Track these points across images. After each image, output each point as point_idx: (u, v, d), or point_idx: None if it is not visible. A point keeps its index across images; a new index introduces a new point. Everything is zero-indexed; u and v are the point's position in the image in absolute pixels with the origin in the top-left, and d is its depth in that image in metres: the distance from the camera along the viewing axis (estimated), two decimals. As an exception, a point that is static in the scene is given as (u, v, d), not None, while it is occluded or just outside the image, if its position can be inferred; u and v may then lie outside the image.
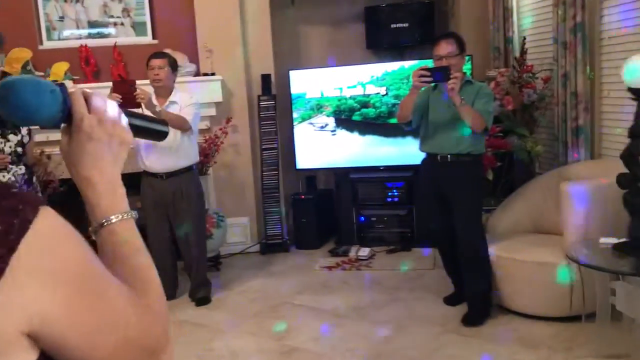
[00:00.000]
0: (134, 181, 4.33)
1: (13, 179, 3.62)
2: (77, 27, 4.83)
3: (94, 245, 0.78)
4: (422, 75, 3.26)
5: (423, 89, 3.41)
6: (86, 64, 4.76)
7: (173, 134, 3.76)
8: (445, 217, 3.50)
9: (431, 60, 3.48)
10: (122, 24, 4.89)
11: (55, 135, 4.64)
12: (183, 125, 3.75)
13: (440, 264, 3.84)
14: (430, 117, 3.48)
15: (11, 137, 3.62)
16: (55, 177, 4.57)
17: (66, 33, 4.82)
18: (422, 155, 3.63)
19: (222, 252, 4.98)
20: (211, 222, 4.63)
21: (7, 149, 3.60)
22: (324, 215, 5.26)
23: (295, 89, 5.17)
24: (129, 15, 4.88)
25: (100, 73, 4.82)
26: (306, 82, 5.17)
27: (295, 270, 4.65)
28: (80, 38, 4.83)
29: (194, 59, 4.92)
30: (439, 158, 3.47)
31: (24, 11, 4.72)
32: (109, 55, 4.78)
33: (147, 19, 4.91)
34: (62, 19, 4.80)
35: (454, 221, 3.45)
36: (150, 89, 3.69)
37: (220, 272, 4.68)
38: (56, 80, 4.90)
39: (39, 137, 4.58)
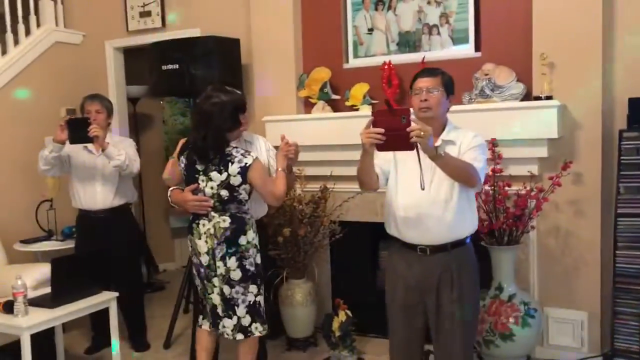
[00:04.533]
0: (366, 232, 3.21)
1: (212, 231, 2.85)
2: (386, 40, 3.96)
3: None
4: None
5: None
6: (388, 84, 3.84)
7: (449, 188, 2.48)
8: None
9: None
10: (438, 33, 3.80)
11: (341, 170, 3.88)
12: (470, 178, 2.43)
13: None
14: None
15: (214, 175, 2.83)
16: (330, 218, 3.80)
17: (374, 48, 4.00)
18: None
19: (541, 356, 3.41)
20: (513, 314, 3.13)
21: (208, 191, 2.85)
22: None
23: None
24: (447, 22, 3.76)
25: (404, 95, 3.84)
26: None
27: None
28: (387, 54, 3.95)
29: (524, 77, 3.48)
30: None
31: (332, 25, 4.11)
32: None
33: (470, 25, 3.70)
34: (370, 31, 4.00)
35: None
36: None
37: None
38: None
39: (320, 170, 3.92)
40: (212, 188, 2.83)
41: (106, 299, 3.34)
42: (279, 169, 2.96)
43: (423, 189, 2.42)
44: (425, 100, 2.49)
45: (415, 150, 2.29)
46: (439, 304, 2.54)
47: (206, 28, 4.42)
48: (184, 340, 4.09)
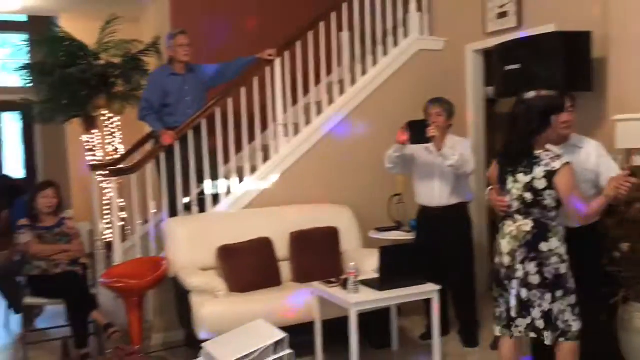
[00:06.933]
0: None
1: (515, 233, 2.80)
2: None
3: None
4: None
5: None
6: None
7: None
8: None
9: None
10: None
11: None
12: None
13: None
14: None
15: (520, 177, 2.78)
16: None
17: None
18: None
19: None
20: None
21: (514, 192, 2.81)
22: None
23: None
24: None
25: None
26: None
27: None
28: None
29: None
30: None
31: None
32: None
33: None
34: None
35: None
36: None
37: None
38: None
39: None
40: (517, 190, 2.81)
41: (428, 290, 3.55)
42: (605, 195, 2.75)
43: None
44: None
45: None
46: None
47: (561, 22, 4.17)
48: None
